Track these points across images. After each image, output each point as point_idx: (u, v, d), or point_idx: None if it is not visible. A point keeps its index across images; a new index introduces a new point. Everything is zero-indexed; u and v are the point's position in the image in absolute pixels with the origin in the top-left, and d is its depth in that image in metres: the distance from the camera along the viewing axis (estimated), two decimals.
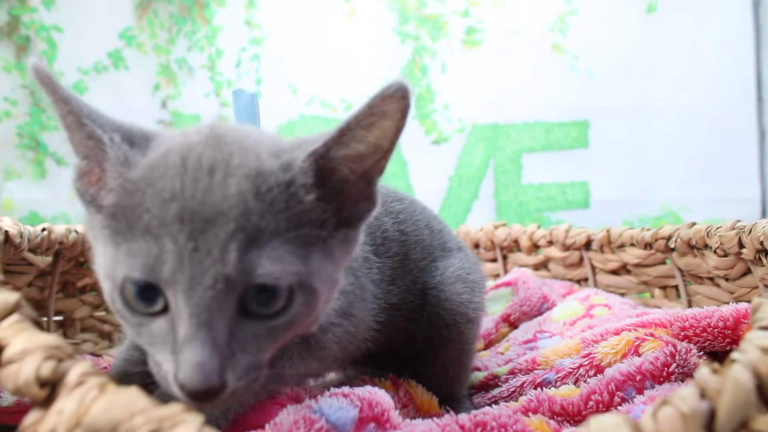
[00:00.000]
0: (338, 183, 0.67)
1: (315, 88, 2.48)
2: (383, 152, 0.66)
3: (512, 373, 1.17)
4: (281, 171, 0.63)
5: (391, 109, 0.62)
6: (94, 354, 1.29)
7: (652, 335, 1.01)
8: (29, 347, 0.49)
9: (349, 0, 2.48)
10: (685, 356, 0.95)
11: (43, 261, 1.25)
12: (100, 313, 1.49)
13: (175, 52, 2.41)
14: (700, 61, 2.54)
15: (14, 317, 0.52)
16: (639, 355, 0.98)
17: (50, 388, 0.48)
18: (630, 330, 1.06)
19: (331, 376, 1.06)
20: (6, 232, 1.04)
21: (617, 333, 1.07)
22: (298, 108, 2.47)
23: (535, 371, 1.12)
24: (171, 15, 2.40)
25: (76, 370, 0.48)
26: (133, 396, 0.46)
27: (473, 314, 1.09)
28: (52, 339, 0.50)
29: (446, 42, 2.54)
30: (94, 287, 1.47)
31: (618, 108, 2.56)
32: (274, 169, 0.63)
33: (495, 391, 1.14)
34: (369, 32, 2.49)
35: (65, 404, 0.46)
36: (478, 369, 1.25)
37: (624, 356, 1.00)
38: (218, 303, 0.57)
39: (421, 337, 1.06)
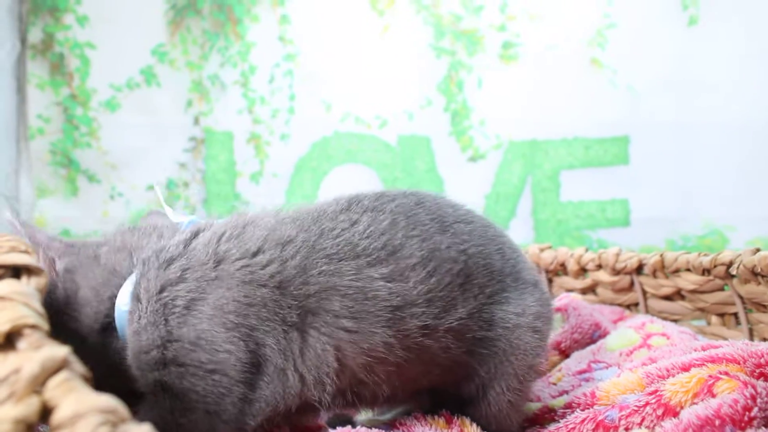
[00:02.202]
0: None
1: (349, 104, 2.44)
2: None
3: (569, 407, 1.11)
4: None
5: None
6: None
7: (726, 374, 0.94)
8: (81, 410, 0.44)
9: (383, 15, 2.44)
10: (766, 398, 0.88)
11: None
12: None
13: (208, 68, 2.39)
14: (745, 74, 2.47)
15: (63, 374, 0.47)
16: (714, 396, 0.91)
17: None
18: (700, 365, 1.00)
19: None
20: None
21: (686, 369, 1.01)
22: (332, 124, 2.43)
23: (596, 407, 1.06)
24: (204, 31, 2.38)
25: None
26: None
27: (541, 367, 1.06)
28: (104, 401, 0.45)
29: (483, 57, 2.49)
30: None
31: (659, 123, 2.50)
32: None
33: (551, 427, 1.07)
34: (404, 47, 2.45)
35: None
36: (530, 400, 1.18)
37: (696, 395, 0.93)
38: None
39: (481, 377, 1.01)
